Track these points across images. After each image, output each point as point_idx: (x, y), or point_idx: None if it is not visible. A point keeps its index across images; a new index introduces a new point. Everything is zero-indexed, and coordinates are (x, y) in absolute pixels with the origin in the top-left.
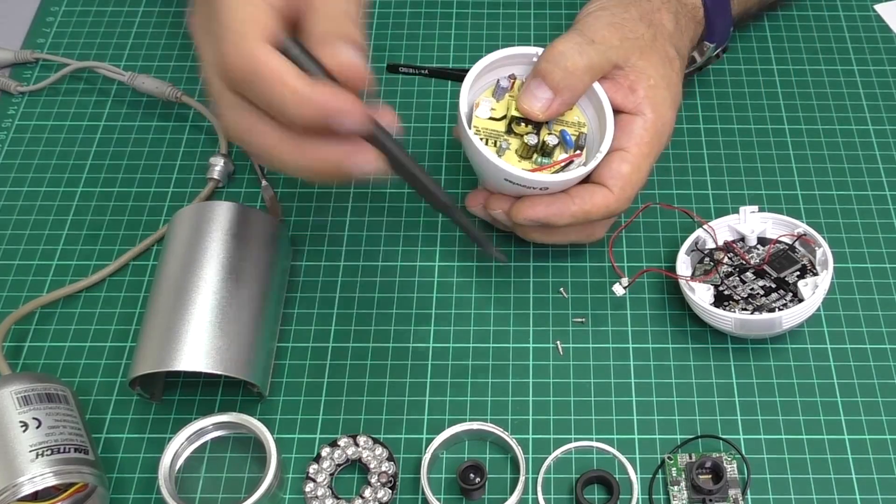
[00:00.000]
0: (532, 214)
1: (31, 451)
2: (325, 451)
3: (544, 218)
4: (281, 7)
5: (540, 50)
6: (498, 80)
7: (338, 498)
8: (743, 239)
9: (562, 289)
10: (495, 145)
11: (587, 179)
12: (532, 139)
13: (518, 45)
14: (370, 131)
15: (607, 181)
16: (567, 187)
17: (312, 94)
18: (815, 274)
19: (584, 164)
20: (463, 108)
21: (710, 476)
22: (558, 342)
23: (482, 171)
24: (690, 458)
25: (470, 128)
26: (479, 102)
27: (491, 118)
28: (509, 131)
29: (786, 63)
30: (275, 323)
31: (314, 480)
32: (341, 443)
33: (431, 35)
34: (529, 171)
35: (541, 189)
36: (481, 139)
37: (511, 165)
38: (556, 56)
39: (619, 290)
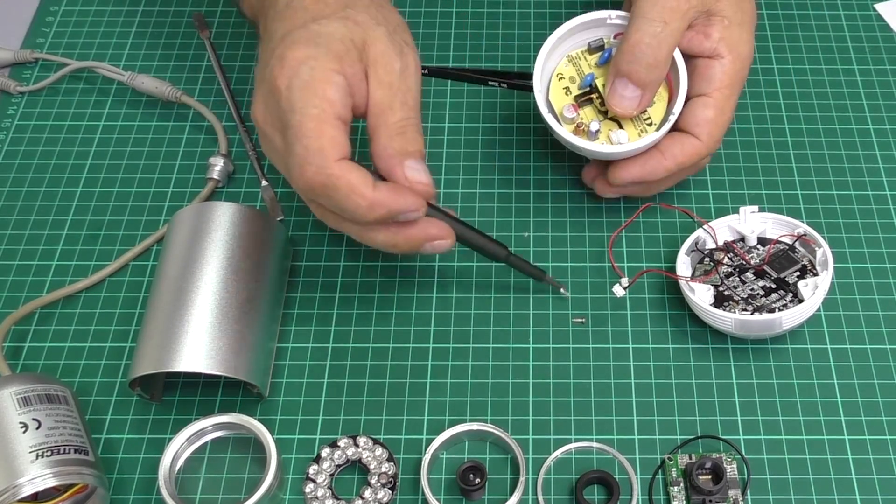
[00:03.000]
0: (628, 177)
1: (31, 452)
2: (325, 452)
3: (640, 177)
4: (349, 117)
5: (612, 13)
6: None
7: (338, 498)
8: (743, 239)
9: (576, 319)
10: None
11: (675, 129)
12: (594, 125)
13: (543, 34)
14: (429, 215)
15: (693, 129)
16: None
17: (382, 198)
18: (816, 274)
19: (659, 127)
20: (539, 87)
21: (710, 476)
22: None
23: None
24: (690, 458)
25: (548, 110)
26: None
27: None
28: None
29: (786, 63)
30: (274, 323)
31: (314, 481)
32: (341, 443)
33: (431, 35)
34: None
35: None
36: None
37: (586, 142)
38: (637, 54)
39: (619, 290)
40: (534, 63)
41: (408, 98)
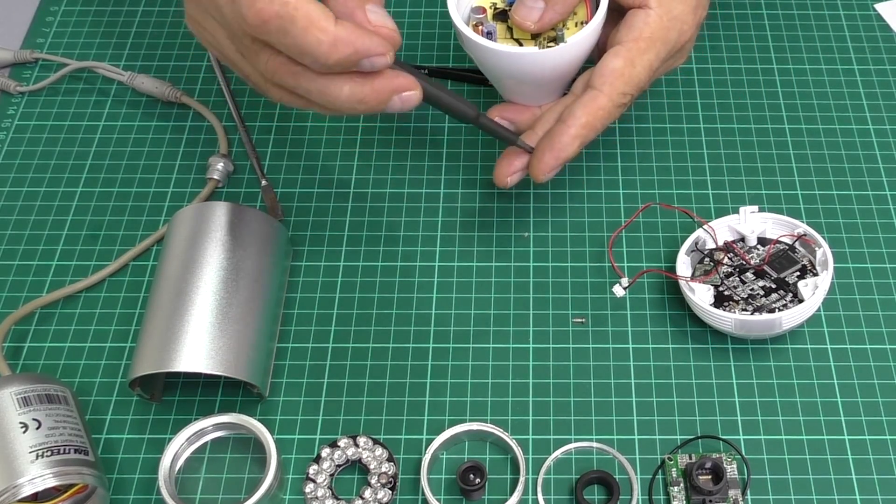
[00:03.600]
0: (547, 168)
1: (31, 453)
2: (325, 452)
3: (556, 160)
4: None
5: None
6: None
7: (338, 499)
8: (743, 239)
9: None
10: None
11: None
12: (489, 27)
13: None
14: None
15: (597, 81)
16: (557, 62)
17: (345, 35)
18: (816, 274)
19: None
20: (456, 16)
21: (710, 476)
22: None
23: (486, 65)
24: (690, 458)
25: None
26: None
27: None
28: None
29: (786, 63)
30: (274, 323)
31: (314, 481)
32: (341, 443)
33: (431, 35)
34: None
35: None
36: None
37: (496, 43)
38: None
39: (619, 290)
40: None
41: None
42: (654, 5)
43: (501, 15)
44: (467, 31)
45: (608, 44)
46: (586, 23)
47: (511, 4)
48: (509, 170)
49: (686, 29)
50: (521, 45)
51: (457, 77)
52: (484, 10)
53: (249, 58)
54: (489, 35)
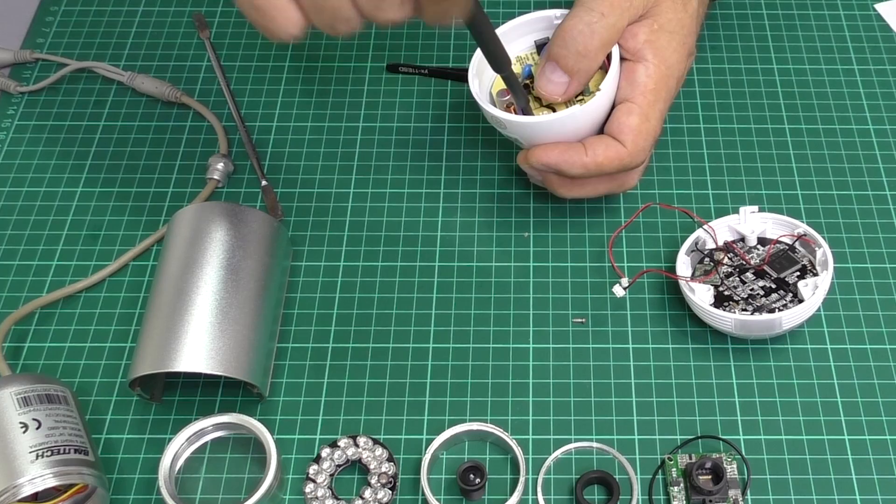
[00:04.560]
0: (545, 159)
1: (31, 452)
2: (325, 452)
3: (555, 164)
4: None
5: (557, 12)
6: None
7: (338, 499)
8: (743, 239)
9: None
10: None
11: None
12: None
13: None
14: None
15: (619, 135)
16: (567, 129)
17: None
18: (816, 274)
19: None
20: (475, 88)
21: (710, 477)
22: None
23: (529, 137)
24: (690, 458)
25: (489, 99)
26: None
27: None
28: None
29: (786, 63)
30: (274, 323)
31: (314, 481)
32: (341, 443)
33: (431, 35)
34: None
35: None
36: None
37: (500, 111)
38: (567, 40)
39: (619, 290)
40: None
41: None
42: (650, 58)
43: (524, 89)
44: (507, 116)
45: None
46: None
47: (528, 76)
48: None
49: (680, 76)
50: (553, 109)
51: (457, 77)
52: (508, 92)
53: None
54: (524, 111)
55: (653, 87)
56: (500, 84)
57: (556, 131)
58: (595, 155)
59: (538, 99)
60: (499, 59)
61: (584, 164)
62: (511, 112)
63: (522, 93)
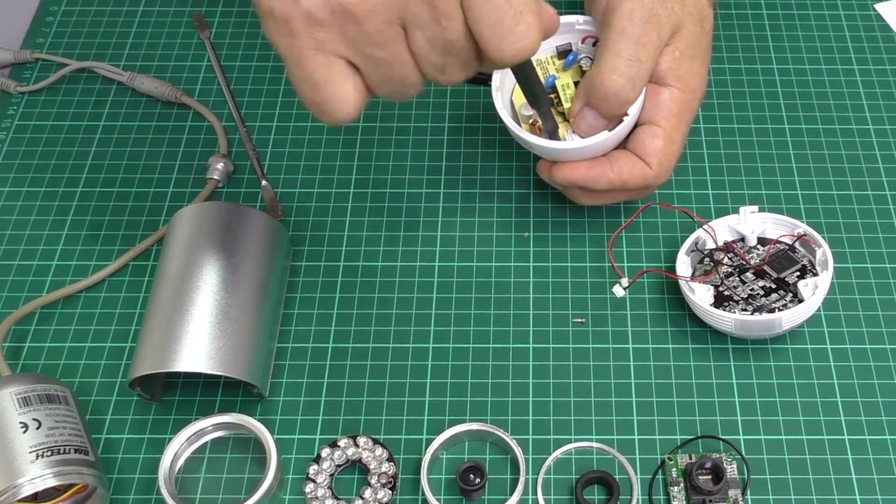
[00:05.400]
0: (571, 177)
1: (31, 452)
2: (325, 452)
3: (582, 181)
4: None
5: (581, 18)
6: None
7: (338, 499)
8: (743, 239)
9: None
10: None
11: (628, 147)
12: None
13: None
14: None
15: (644, 157)
16: (595, 152)
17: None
18: (816, 274)
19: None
20: (498, 102)
21: (710, 477)
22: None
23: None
24: (690, 458)
25: (508, 109)
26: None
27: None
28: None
29: (786, 63)
30: (274, 323)
31: (314, 481)
32: (341, 443)
33: None
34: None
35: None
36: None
37: (529, 134)
38: (610, 97)
39: (619, 291)
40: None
41: None
42: (674, 83)
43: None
44: (538, 140)
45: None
46: None
47: (552, 88)
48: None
49: (702, 97)
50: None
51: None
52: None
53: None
54: (552, 133)
55: (676, 111)
56: (520, 96)
57: (583, 155)
58: (621, 172)
59: (562, 113)
60: (539, 97)
61: (610, 180)
62: (535, 129)
63: (553, 120)
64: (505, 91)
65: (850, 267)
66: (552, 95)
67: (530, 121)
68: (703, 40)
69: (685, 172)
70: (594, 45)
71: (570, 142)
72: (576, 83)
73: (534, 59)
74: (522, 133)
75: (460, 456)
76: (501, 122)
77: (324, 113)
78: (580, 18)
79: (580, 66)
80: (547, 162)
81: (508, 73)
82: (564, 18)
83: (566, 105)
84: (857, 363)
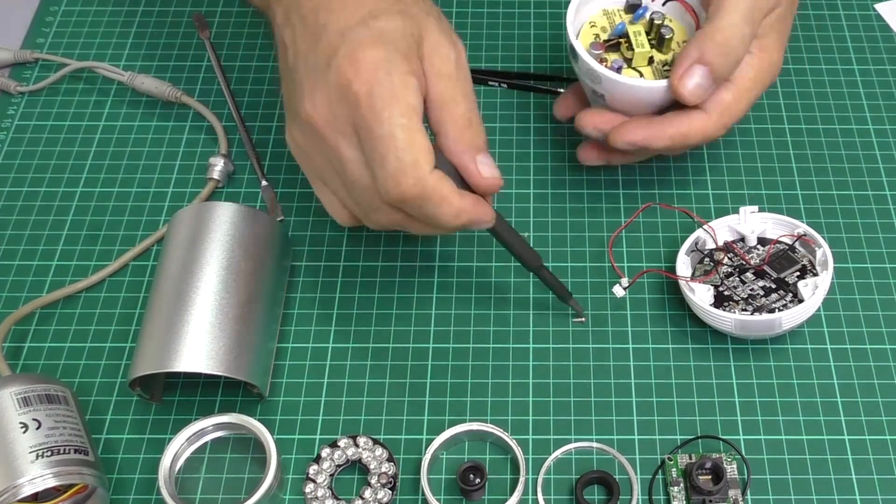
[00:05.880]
0: (631, 138)
1: (31, 453)
2: (325, 452)
3: (643, 141)
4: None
5: None
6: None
7: (338, 499)
8: (743, 239)
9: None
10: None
11: (683, 107)
12: (617, 63)
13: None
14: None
15: (706, 106)
16: (660, 97)
17: (468, 207)
18: (816, 274)
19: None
20: (571, 17)
21: (710, 477)
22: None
23: (590, 86)
24: (690, 458)
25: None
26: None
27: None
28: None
29: (786, 63)
30: (274, 323)
31: (314, 481)
32: (341, 443)
33: None
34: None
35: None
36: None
37: (604, 68)
38: (728, 50)
39: (619, 291)
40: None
41: (467, 88)
42: (758, 51)
43: (614, 46)
44: (610, 73)
45: None
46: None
47: (621, 34)
48: (568, 109)
49: (779, 68)
50: (641, 74)
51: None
52: (601, 46)
53: (367, 211)
54: (619, 70)
55: (753, 75)
56: (586, 38)
57: (648, 100)
58: (680, 125)
59: (628, 59)
60: (529, 257)
61: (670, 135)
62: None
63: (561, 290)
64: (577, 22)
65: (850, 267)
66: (622, 41)
67: (598, 59)
68: (790, 19)
69: (685, 172)
70: (665, 3)
71: (649, 81)
72: (647, 35)
73: (602, 7)
74: (597, 66)
75: (460, 456)
76: (572, 58)
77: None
78: None
79: (652, 20)
80: (594, 114)
81: (584, 6)
82: None
83: (637, 50)
84: (857, 363)
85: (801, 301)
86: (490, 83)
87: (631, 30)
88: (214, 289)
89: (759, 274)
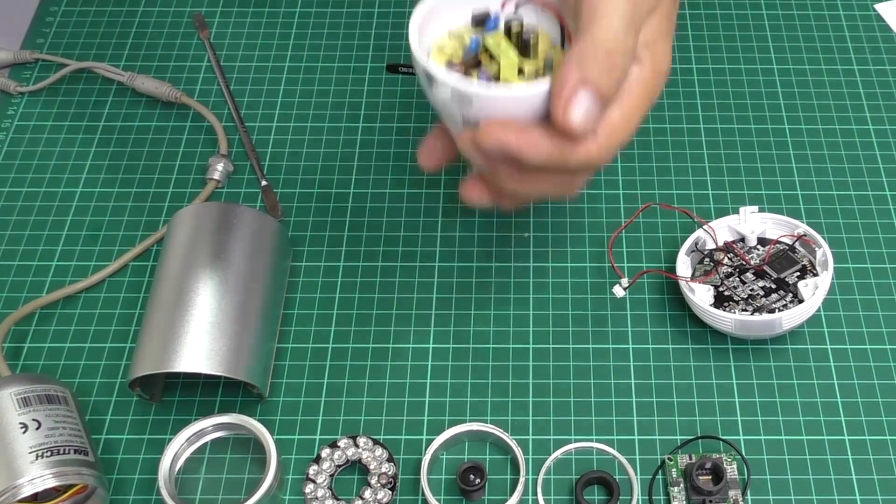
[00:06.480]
0: (504, 137)
1: (30, 453)
2: (325, 452)
3: (516, 146)
4: None
5: None
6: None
7: (338, 499)
8: (743, 239)
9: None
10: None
11: None
12: (484, 75)
13: None
14: None
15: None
16: (538, 107)
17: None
18: (816, 274)
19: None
20: (415, 39)
21: (710, 477)
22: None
23: (442, 105)
24: (690, 458)
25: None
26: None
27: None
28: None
29: (786, 63)
30: (274, 323)
31: (314, 481)
32: (341, 444)
33: None
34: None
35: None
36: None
37: (468, 82)
38: (615, 62)
39: (619, 291)
40: (410, 20)
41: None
42: (646, 61)
43: (474, 66)
44: (483, 87)
45: None
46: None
47: (473, 52)
48: (433, 155)
49: (665, 81)
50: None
51: None
52: (459, 65)
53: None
54: (489, 80)
55: (641, 90)
56: (441, 53)
57: (538, 110)
58: (562, 144)
59: (496, 77)
60: None
61: (548, 150)
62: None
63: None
64: (424, 42)
65: (850, 267)
66: (482, 56)
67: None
68: (673, 19)
69: (685, 172)
70: (517, 9)
71: (518, 87)
72: (508, 42)
73: (445, 28)
74: (457, 81)
75: (460, 456)
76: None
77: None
78: None
79: (509, 29)
80: (470, 132)
81: (425, 30)
82: None
83: (504, 61)
84: (857, 363)
85: (801, 301)
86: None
87: (489, 41)
88: (214, 289)
89: (759, 274)
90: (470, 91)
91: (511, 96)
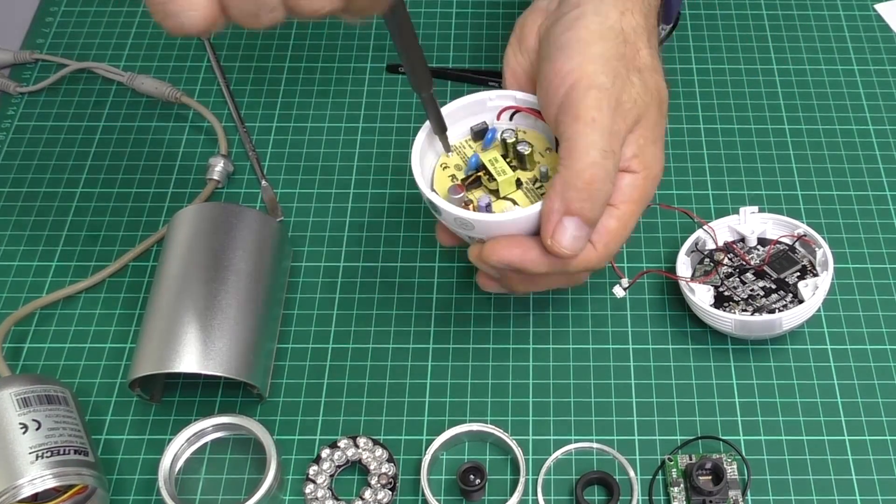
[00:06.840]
0: (506, 256)
1: (30, 453)
2: (325, 453)
3: (519, 262)
4: None
5: (492, 94)
6: (486, 129)
7: (338, 499)
8: (743, 239)
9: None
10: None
11: None
12: (484, 200)
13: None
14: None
15: (592, 236)
16: (531, 225)
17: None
18: (816, 275)
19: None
20: (417, 169)
21: (710, 477)
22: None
23: (446, 220)
24: (690, 459)
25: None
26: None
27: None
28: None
29: (786, 63)
30: (274, 324)
31: (314, 482)
32: (341, 444)
33: (431, 35)
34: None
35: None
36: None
37: (467, 211)
38: (592, 193)
39: (619, 291)
40: (411, 151)
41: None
42: (638, 169)
43: (475, 182)
44: (480, 216)
45: None
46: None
47: (474, 169)
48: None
49: (660, 180)
50: (514, 201)
51: (456, 77)
52: (461, 189)
53: None
54: (489, 206)
55: (637, 197)
56: (442, 183)
57: (530, 227)
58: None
59: (495, 191)
60: (421, 75)
61: (550, 263)
62: (471, 209)
63: (442, 125)
64: (425, 171)
65: (850, 267)
66: (481, 174)
67: (462, 203)
68: (662, 124)
69: (685, 173)
70: (511, 117)
71: (512, 211)
72: (504, 157)
73: (451, 143)
74: (457, 210)
75: (460, 456)
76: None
77: (167, 16)
78: (491, 94)
79: (504, 141)
80: (478, 246)
81: (428, 151)
82: (475, 97)
83: (500, 179)
84: (857, 364)
85: (801, 301)
86: (490, 84)
87: (486, 159)
88: (214, 289)
89: (760, 274)
90: (470, 218)
91: (507, 220)
